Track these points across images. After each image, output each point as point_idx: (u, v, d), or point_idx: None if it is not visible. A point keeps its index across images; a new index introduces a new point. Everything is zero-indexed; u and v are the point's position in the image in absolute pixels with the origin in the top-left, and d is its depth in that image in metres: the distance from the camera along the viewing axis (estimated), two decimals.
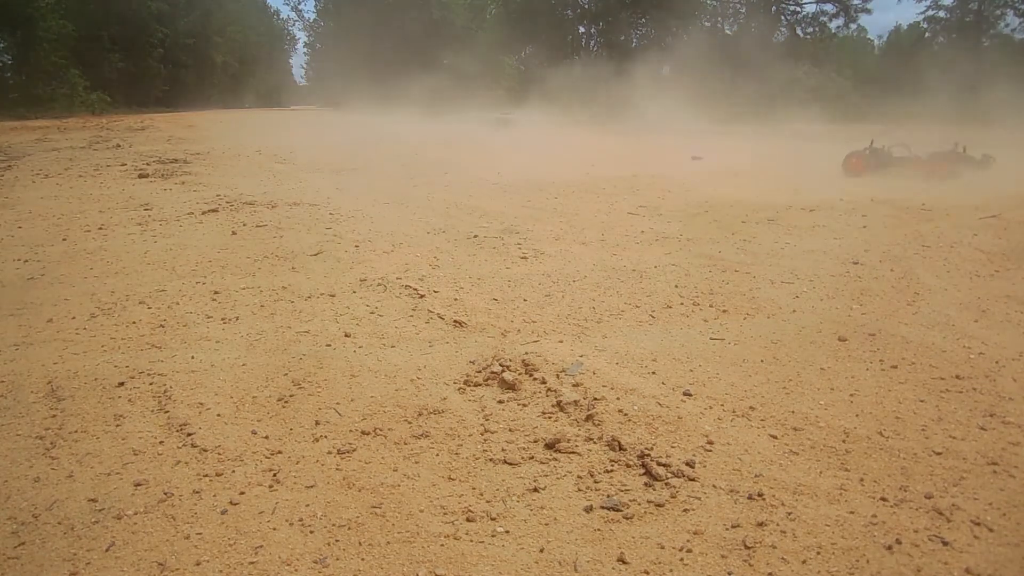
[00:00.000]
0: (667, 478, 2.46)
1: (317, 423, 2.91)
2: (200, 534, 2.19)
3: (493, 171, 12.10)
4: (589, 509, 2.32)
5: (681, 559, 2.07)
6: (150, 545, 2.15)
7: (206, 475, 2.52)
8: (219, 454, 2.66)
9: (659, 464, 2.53)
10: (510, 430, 2.84)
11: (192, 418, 2.95)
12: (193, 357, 3.62)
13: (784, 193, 9.45)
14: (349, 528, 2.22)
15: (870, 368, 3.48)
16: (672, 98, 27.78)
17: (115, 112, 32.29)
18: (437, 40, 43.13)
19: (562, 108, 30.80)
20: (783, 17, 41.30)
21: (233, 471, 2.55)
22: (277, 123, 29.83)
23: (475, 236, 6.63)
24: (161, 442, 2.76)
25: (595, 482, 2.47)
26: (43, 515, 2.30)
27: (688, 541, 2.15)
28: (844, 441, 2.74)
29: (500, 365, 3.43)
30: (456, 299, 4.62)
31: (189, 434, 2.81)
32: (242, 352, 3.70)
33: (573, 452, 2.66)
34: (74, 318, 4.30)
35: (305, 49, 62.64)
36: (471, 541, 2.16)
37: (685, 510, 2.30)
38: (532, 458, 2.63)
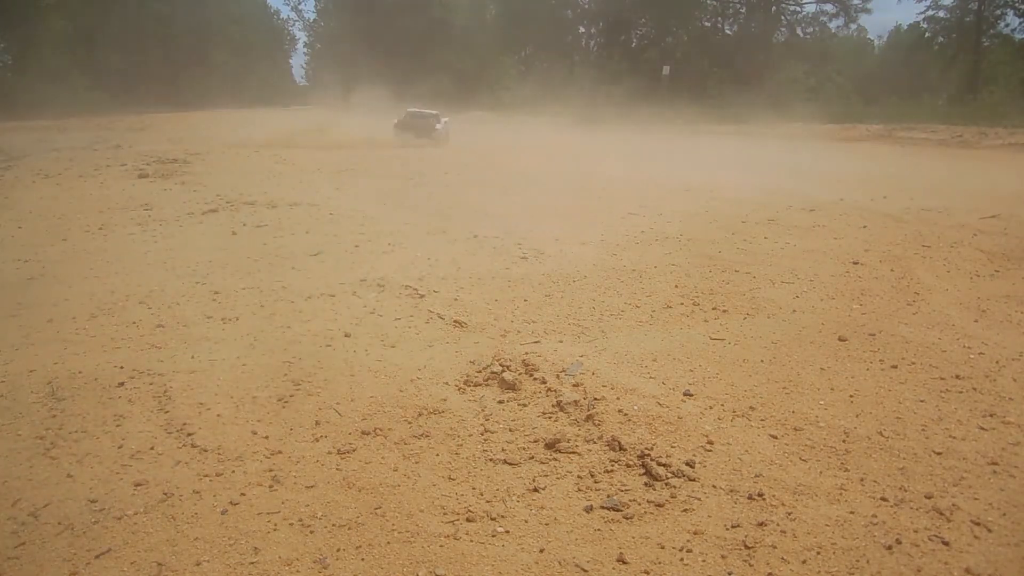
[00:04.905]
0: (667, 478, 2.46)
1: (317, 423, 2.91)
2: (200, 534, 2.19)
3: (493, 171, 12.11)
4: (589, 509, 2.32)
5: (681, 559, 2.07)
6: (150, 545, 2.14)
7: (206, 475, 2.52)
8: (219, 454, 2.66)
9: (659, 464, 2.53)
10: (510, 430, 2.84)
11: (192, 418, 2.95)
12: (193, 357, 3.62)
13: None
14: (349, 528, 2.22)
15: (870, 368, 3.47)
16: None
17: (115, 112, 32.27)
18: (437, 40, 43.10)
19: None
20: (783, 17, 41.27)
21: (233, 471, 2.54)
22: (278, 123, 29.83)
23: (475, 236, 6.63)
24: (161, 442, 2.76)
25: (595, 482, 2.47)
26: (43, 515, 2.30)
27: (688, 541, 2.14)
28: (844, 441, 2.74)
29: (500, 365, 3.43)
30: (456, 299, 4.62)
31: (189, 434, 2.81)
32: (242, 352, 3.70)
33: (573, 452, 2.66)
34: (74, 318, 4.30)
35: (305, 49, 62.71)
36: (471, 541, 2.16)
37: (685, 510, 2.30)
38: (532, 458, 2.63)
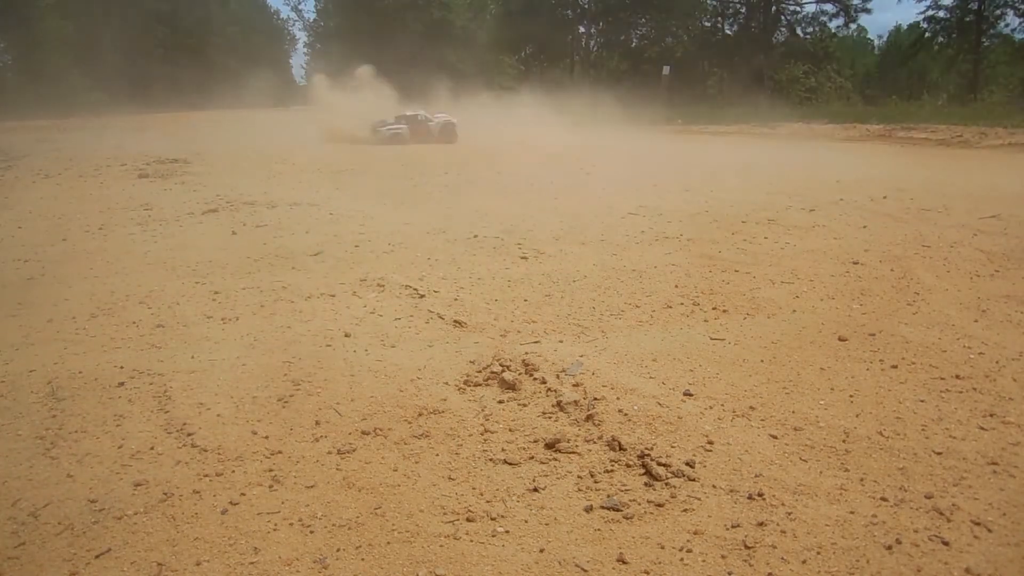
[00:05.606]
0: (667, 478, 2.46)
1: (317, 423, 2.91)
2: (200, 534, 2.19)
3: (493, 170, 12.11)
4: (589, 509, 2.32)
5: (681, 559, 2.07)
6: (150, 545, 2.14)
7: (206, 475, 2.52)
8: (219, 454, 2.66)
9: (659, 464, 2.53)
10: (510, 430, 2.84)
11: (192, 418, 2.95)
12: (193, 357, 3.62)
13: None
14: (349, 528, 2.22)
15: (870, 368, 3.47)
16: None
17: (115, 112, 32.31)
18: (437, 40, 43.12)
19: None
20: (783, 17, 41.25)
21: (233, 471, 2.54)
22: (278, 124, 29.83)
23: (475, 236, 6.63)
24: (161, 442, 2.76)
25: (595, 482, 2.47)
26: (43, 515, 2.30)
27: (688, 541, 2.14)
28: (844, 441, 2.74)
29: (500, 365, 3.43)
30: (456, 299, 4.62)
31: (189, 434, 2.81)
32: (242, 352, 3.70)
33: (573, 452, 2.66)
34: (74, 318, 4.30)
35: (305, 49, 62.76)
36: (471, 541, 2.16)
37: (685, 510, 2.30)
38: (532, 458, 2.63)
